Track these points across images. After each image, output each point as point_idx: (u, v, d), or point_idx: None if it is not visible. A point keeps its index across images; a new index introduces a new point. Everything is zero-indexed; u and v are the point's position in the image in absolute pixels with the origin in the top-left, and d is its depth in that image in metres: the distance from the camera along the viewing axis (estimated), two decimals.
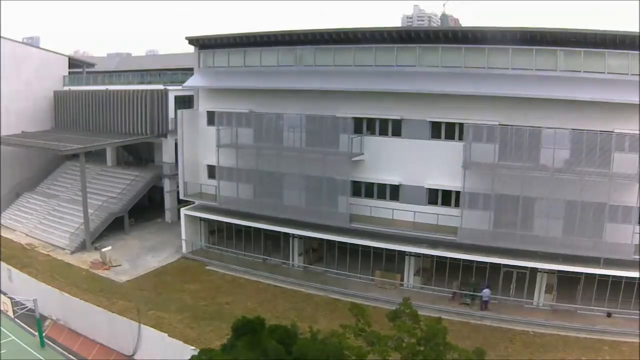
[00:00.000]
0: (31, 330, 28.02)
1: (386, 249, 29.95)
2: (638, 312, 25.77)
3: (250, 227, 34.49)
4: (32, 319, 27.53)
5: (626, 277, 25.71)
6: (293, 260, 33.86)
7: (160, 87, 43.12)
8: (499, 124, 27.22)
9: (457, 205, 28.54)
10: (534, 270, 27.48)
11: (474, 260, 28.16)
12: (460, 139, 28.07)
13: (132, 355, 25.71)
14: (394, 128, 30.72)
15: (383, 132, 31.12)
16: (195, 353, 18.06)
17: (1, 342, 26.89)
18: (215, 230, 37.17)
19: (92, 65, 57.72)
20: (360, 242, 30.57)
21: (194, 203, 37.20)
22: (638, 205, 24.88)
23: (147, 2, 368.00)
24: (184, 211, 36.76)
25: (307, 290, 30.37)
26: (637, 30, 25.77)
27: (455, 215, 28.09)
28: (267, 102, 33.89)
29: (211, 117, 35.79)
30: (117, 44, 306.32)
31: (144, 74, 46.99)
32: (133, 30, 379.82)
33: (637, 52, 25.48)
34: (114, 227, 40.56)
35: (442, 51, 29.20)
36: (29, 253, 37.27)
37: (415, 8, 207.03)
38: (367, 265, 31.16)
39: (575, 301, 27.11)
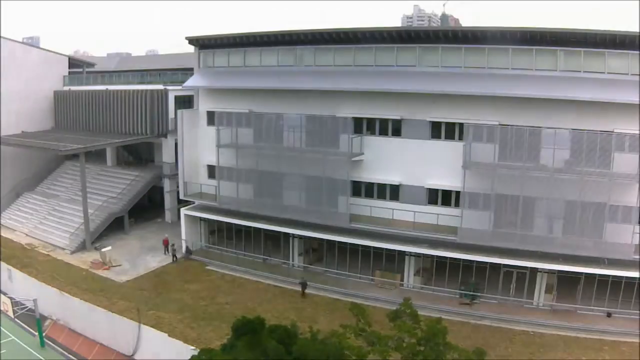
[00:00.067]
0: (31, 330, 28.07)
1: (386, 249, 29.95)
2: (638, 312, 25.79)
3: (250, 227, 34.50)
4: (32, 319, 27.57)
5: (626, 277, 25.74)
6: (293, 260, 33.86)
7: (160, 87, 43.15)
8: (499, 124, 27.21)
9: (457, 205, 28.54)
10: (534, 270, 27.50)
11: (474, 260, 28.17)
12: (460, 138, 28.07)
13: (132, 355, 25.75)
14: (394, 128, 30.73)
15: (383, 132, 31.12)
16: (195, 353, 18.10)
17: (1, 342, 26.93)
18: (215, 230, 37.20)
19: (92, 65, 57.70)
20: (360, 242, 30.58)
21: (194, 203, 37.20)
22: (638, 205, 24.89)
23: (147, 2, 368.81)
24: (184, 211, 36.76)
25: (307, 290, 30.34)
26: (637, 30, 25.81)
27: (455, 215, 28.10)
28: (267, 102, 33.89)
29: (211, 117, 35.80)
30: (117, 44, 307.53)
31: (144, 74, 47.00)
32: (133, 30, 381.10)
33: (637, 52, 25.50)
34: (114, 227, 40.58)
35: (442, 51, 29.21)
36: (29, 253, 37.24)
37: (415, 8, 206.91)
38: (367, 265, 31.17)
39: (575, 301, 27.12)
